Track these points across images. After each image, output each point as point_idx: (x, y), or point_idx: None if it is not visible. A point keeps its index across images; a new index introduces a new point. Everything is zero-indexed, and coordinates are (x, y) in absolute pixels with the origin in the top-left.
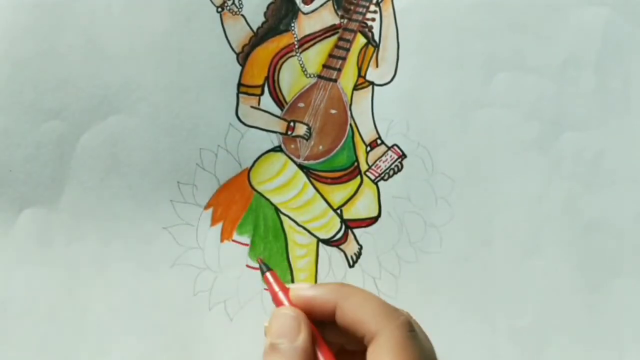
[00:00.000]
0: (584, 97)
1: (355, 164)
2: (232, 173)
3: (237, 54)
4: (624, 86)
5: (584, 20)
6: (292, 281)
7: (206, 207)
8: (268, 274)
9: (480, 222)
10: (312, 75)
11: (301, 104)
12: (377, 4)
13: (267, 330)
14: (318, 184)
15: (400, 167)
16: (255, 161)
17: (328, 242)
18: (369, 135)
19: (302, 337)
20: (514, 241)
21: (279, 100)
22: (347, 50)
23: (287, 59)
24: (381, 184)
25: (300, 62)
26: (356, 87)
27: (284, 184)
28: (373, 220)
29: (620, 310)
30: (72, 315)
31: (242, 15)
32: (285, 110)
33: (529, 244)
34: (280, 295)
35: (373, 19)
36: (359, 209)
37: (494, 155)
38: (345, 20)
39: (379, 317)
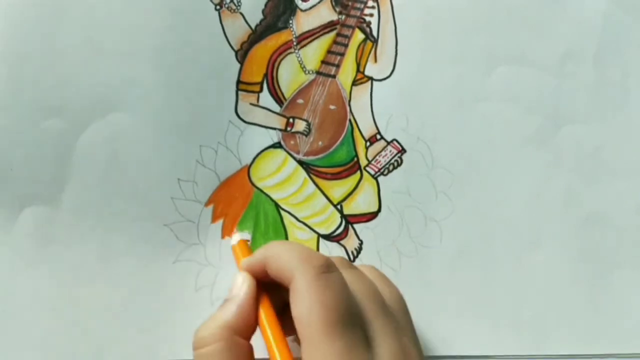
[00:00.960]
0: (583, 90)
1: (355, 159)
2: (232, 170)
3: (236, 52)
4: (623, 79)
5: (583, 13)
6: None
7: (207, 204)
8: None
9: (481, 216)
10: (310, 72)
11: (300, 101)
12: (375, 0)
13: None
14: (318, 180)
15: (400, 161)
16: (255, 158)
17: (328, 237)
18: (368, 130)
19: (242, 291)
20: (514, 235)
21: (278, 97)
22: (346, 46)
23: (285, 55)
24: (381, 178)
25: (299, 59)
26: (355, 83)
27: (283, 180)
28: (373, 215)
29: (621, 303)
30: (74, 313)
31: (241, 13)
32: (284, 106)
33: (529, 237)
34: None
35: (371, 15)
36: (359, 204)
37: (493, 149)
38: (343, 16)
39: (293, 262)
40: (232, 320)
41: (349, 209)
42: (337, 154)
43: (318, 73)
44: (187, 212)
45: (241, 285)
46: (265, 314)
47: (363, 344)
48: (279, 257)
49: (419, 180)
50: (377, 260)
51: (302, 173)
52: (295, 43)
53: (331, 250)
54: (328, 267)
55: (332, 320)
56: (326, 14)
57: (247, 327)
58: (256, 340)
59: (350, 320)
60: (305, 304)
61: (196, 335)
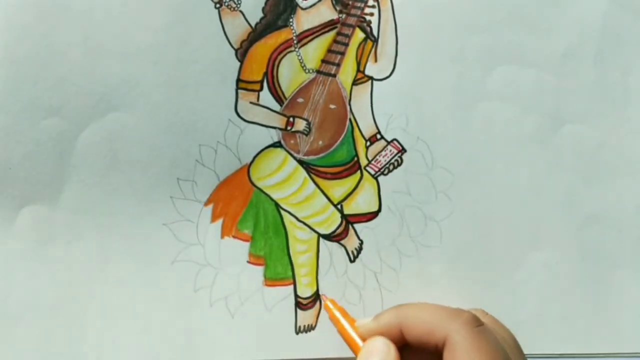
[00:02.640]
0: (583, 89)
1: (355, 158)
2: (232, 169)
3: (236, 50)
4: (623, 78)
5: (583, 12)
6: (294, 277)
7: (206, 203)
8: (337, 313)
9: (480, 215)
10: (311, 71)
11: (300, 100)
12: None
13: None
14: (318, 179)
15: (400, 161)
16: (254, 157)
17: (329, 237)
18: (368, 130)
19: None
20: (514, 234)
21: (278, 96)
22: (346, 45)
23: (285, 54)
24: (381, 178)
25: (299, 58)
26: (355, 82)
27: (284, 179)
28: (373, 215)
29: (621, 303)
30: (73, 312)
31: (241, 11)
32: (284, 105)
33: (529, 237)
34: (367, 323)
35: (371, 14)
36: (359, 203)
37: (493, 148)
38: (344, 15)
39: (442, 321)
40: None
41: (349, 208)
42: (337, 153)
43: (318, 72)
44: (186, 212)
45: (387, 354)
46: None
47: None
48: (421, 317)
49: (419, 180)
50: (377, 260)
51: (302, 172)
52: (295, 42)
53: (331, 249)
54: (477, 320)
55: None
56: (326, 12)
57: None
58: None
59: None
60: (471, 358)
61: None
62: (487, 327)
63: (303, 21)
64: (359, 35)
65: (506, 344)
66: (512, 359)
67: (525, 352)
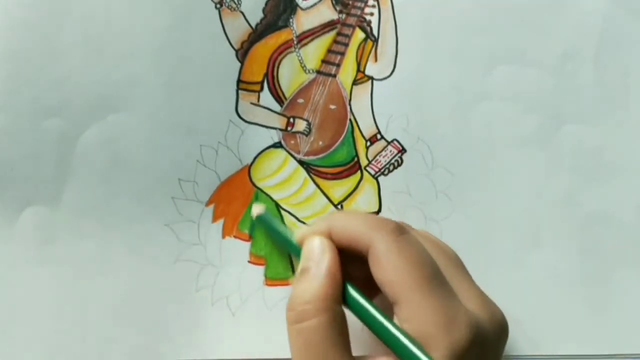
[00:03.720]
0: (583, 90)
1: (355, 159)
2: (233, 169)
3: (236, 51)
4: (623, 79)
5: (583, 13)
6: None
7: (207, 204)
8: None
9: (481, 215)
10: (311, 71)
11: (301, 100)
12: None
13: (300, 258)
14: (318, 180)
15: (400, 161)
16: (255, 157)
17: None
18: (368, 130)
19: (326, 258)
20: (514, 234)
21: (278, 97)
22: (346, 45)
23: (286, 55)
24: (381, 178)
25: (299, 58)
26: (355, 82)
27: (284, 180)
28: (374, 215)
29: (621, 303)
30: (75, 312)
31: (241, 12)
32: (284, 106)
33: (529, 237)
34: (302, 229)
35: (371, 14)
36: (360, 204)
37: (493, 148)
38: (344, 16)
39: (367, 229)
40: (330, 290)
41: (350, 208)
42: (338, 153)
43: (318, 72)
44: (187, 212)
45: (324, 251)
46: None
47: (453, 296)
48: (347, 226)
49: (420, 180)
50: None
51: (302, 173)
52: (295, 42)
53: None
54: (402, 229)
55: (424, 277)
56: (327, 13)
57: (340, 295)
58: None
59: (437, 275)
60: (393, 265)
61: (294, 308)
62: (412, 236)
63: (303, 21)
64: (359, 35)
65: (435, 252)
66: (437, 264)
67: (525, 352)
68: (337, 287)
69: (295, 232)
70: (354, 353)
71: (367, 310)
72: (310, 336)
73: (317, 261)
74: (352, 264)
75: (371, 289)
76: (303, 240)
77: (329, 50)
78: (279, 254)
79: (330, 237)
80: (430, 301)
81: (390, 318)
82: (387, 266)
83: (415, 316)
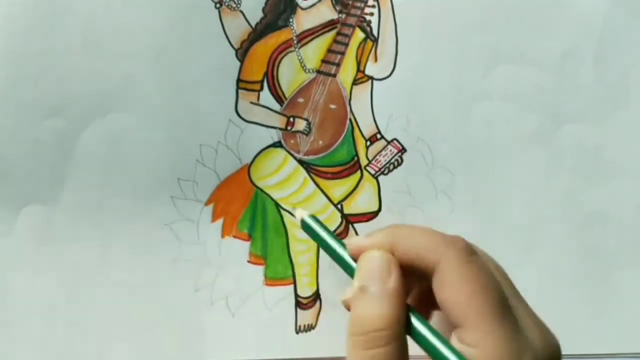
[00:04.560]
0: (583, 89)
1: (355, 158)
2: (232, 169)
3: (236, 50)
4: (623, 78)
5: (583, 13)
6: (294, 277)
7: (207, 203)
8: (311, 221)
9: (480, 215)
10: (311, 71)
11: (300, 99)
12: None
13: (357, 274)
14: (318, 179)
15: (400, 161)
16: (255, 157)
17: None
18: (368, 129)
19: (393, 278)
20: (514, 234)
21: (278, 96)
22: (346, 45)
23: (286, 54)
24: (381, 178)
25: (299, 58)
26: (355, 82)
27: (284, 179)
28: (373, 214)
29: (621, 303)
30: (73, 312)
31: (241, 11)
32: (284, 105)
33: (529, 237)
34: (358, 240)
35: (371, 14)
36: (360, 203)
37: (493, 148)
38: (344, 15)
39: (435, 247)
40: (401, 315)
41: (349, 208)
42: (338, 153)
43: (318, 72)
44: (187, 212)
45: (389, 270)
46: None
47: (519, 326)
48: (413, 241)
49: (420, 180)
50: None
51: (302, 172)
52: (295, 42)
53: None
54: (472, 249)
55: (494, 304)
56: (326, 12)
57: (405, 320)
58: None
59: (504, 301)
60: (463, 288)
61: (364, 333)
62: (480, 258)
63: (303, 21)
64: (359, 35)
65: (499, 276)
66: (504, 290)
67: None
68: (404, 312)
69: (348, 242)
70: None
71: (434, 343)
72: None
73: (383, 280)
74: (406, 278)
75: (420, 304)
76: (359, 253)
77: (329, 50)
78: (279, 253)
79: (392, 252)
80: (499, 330)
81: (455, 349)
82: (457, 288)
83: (484, 343)
